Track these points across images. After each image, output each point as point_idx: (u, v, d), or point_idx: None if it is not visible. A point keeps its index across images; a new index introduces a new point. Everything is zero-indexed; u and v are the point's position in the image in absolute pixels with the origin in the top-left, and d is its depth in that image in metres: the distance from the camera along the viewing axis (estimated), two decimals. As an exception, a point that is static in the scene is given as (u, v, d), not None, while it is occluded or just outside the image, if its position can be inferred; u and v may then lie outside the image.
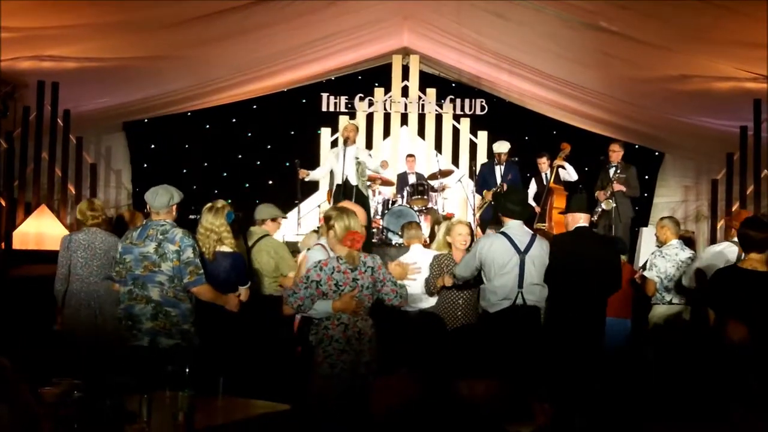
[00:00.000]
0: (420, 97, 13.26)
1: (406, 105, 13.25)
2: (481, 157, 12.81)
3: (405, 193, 11.15)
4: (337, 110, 13.03)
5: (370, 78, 13.65)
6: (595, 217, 9.22)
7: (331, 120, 13.07)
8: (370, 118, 13.24)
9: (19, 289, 7.65)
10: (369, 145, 12.95)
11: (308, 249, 5.77)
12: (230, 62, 11.28)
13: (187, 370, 3.80)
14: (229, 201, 5.98)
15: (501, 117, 13.34)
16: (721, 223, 11.03)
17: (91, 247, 6.13)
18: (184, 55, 10.42)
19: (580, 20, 9.33)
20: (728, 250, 6.21)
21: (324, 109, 13.02)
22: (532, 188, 10.55)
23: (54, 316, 6.22)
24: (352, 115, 13.02)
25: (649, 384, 6.14)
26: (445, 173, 11.58)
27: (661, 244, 6.86)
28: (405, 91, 13.30)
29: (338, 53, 12.19)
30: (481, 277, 5.57)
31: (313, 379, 4.62)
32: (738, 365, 4.40)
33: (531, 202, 10.08)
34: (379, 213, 10.91)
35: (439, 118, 13.27)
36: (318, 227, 8.00)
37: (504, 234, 5.49)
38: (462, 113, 13.16)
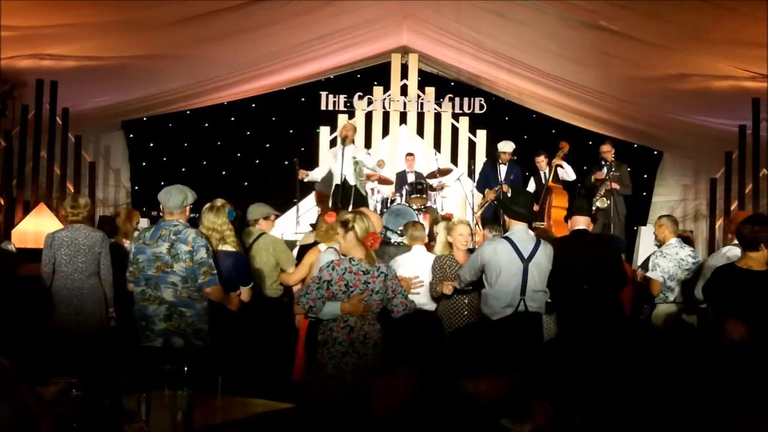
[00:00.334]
0: (419, 96, 13.27)
1: (405, 104, 13.25)
2: (480, 156, 12.82)
3: (404, 192, 11.14)
4: (336, 109, 13.04)
5: (369, 77, 13.63)
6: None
7: (330, 119, 13.06)
8: (369, 116, 13.24)
9: (18, 287, 7.63)
10: (368, 143, 12.94)
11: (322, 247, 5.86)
12: (229, 61, 11.27)
13: (186, 369, 3.80)
14: (227, 200, 5.96)
15: (500, 116, 13.36)
16: (719, 222, 11.04)
17: (75, 244, 6.13)
18: (183, 54, 10.41)
19: (580, 19, 9.33)
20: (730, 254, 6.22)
21: (323, 107, 13.03)
22: (531, 187, 10.56)
23: (51, 314, 6.21)
24: (351, 113, 13.02)
25: (649, 384, 6.13)
26: (444, 172, 11.58)
27: (659, 243, 6.87)
28: (404, 90, 13.30)
29: (337, 52, 12.18)
30: (482, 281, 5.56)
31: (317, 378, 4.62)
32: (738, 365, 4.39)
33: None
34: (378, 212, 10.90)
35: (438, 117, 13.27)
36: (313, 224, 8.00)
37: (508, 239, 5.46)
38: (461, 112, 13.17)
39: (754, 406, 3.95)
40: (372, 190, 11.09)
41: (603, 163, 9.86)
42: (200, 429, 3.50)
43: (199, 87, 12.01)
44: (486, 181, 10.47)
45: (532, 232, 5.80)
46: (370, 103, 13.17)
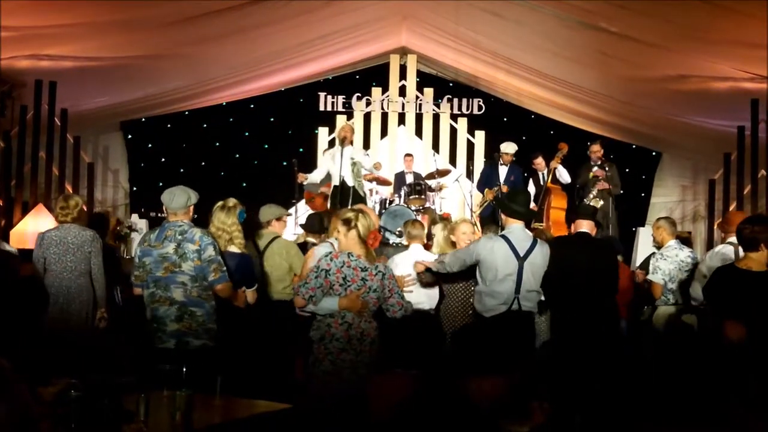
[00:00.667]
0: (417, 97, 13.27)
1: (403, 104, 13.25)
2: (479, 157, 12.83)
3: (402, 193, 11.13)
4: (335, 110, 13.05)
5: (367, 77, 13.65)
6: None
7: (329, 119, 13.07)
8: (367, 117, 13.24)
9: (18, 287, 7.61)
10: (366, 144, 12.95)
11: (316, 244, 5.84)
12: (228, 61, 11.27)
13: (185, 369, 3.79)
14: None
15: (498, 117, 13.37)
16: (717, 223, 11.05)
17: (64, 243, 6.12)
18: (181, 54, 10.41)
19: (578, 19, 9.33)
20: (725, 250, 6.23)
21: (321, 108, 13.03)
22: (530, 188, 10.58)
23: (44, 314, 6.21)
24: (350, 114, 13.02)
25: (649, 384, 6.13)
26: (442, 173, 11.58)
27: (658, 244, 6.86)
28: (402, 91, 13.30)
29: (336, 53, 12.18)
30: (468, 274, 5.55)
31: (314, 375, 4.62)
32: (738, 365, 4.39)
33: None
34: (377, 212, 10.90)
35: (436, 118, 13.27)
36: (303, 224, 7.98)
37: (505, 238, 5.44)
38: (459, 113, 13.18)
39: (754, 407, 3.95)
40: (370, 191, 11.09)
41: (592, 162, 10.00)
42: (199, 429, 3.49)
43: (198, 87, 12.01)
44: (486, 181, 10.51)
45: (529, 232, 5.79)
46: (368, 104, 13.18)
